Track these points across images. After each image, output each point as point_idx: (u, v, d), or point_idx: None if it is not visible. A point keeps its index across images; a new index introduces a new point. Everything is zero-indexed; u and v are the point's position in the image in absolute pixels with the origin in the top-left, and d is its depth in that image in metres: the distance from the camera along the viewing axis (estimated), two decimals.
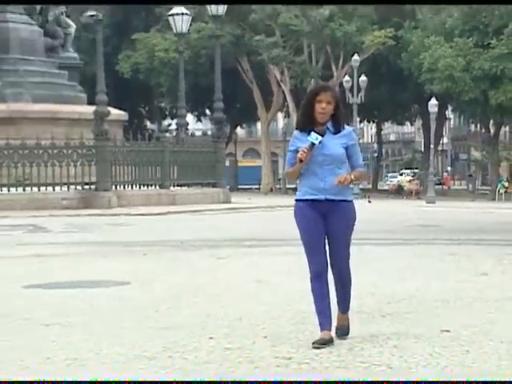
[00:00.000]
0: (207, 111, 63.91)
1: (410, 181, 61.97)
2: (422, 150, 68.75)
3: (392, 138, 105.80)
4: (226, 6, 32.18)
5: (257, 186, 62.84)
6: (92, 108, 27.53)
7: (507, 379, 4.26)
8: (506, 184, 54.54)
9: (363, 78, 50.34)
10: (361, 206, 30.38)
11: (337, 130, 6.21)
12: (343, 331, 6.49)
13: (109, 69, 35.78)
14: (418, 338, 6.60)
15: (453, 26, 51.07)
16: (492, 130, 58.72)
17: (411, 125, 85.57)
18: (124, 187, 27.68)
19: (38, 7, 33.40)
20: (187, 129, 36.02)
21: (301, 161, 6.10)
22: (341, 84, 52.74)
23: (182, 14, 33.99)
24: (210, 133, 60.31)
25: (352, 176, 6.22)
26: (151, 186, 28.78)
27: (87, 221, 21.76)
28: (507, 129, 71.25)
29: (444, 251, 13.49)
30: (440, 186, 64.35)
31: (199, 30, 50.87)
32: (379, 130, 76.79)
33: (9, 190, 25.64)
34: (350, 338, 6.55)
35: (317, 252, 6.23)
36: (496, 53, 48.37)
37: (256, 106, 58.66)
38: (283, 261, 12.00)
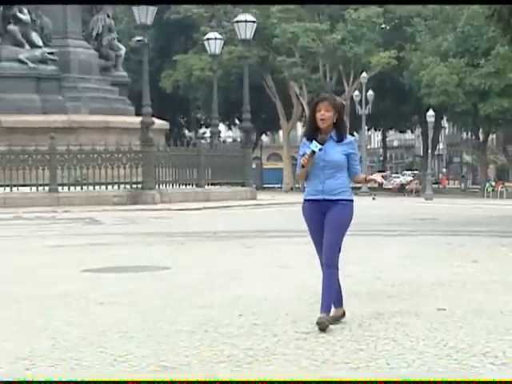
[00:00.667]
0: (236, 121, 63.93)
1: (410, 181, 61.65)
2: (421, 154, 68.52)
3: (395, 143, 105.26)
4: (253, 32, 32.11)
5: (279, 186, 62.75)
6: (139, 119, 27.59)
7: (507, 379, 4.19)
8: (493, 183, 54.26)
9: (370, 92, 50.35)
10: (366, 202, 30.45)
11: (339, 139, 6.07)
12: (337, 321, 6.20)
13: (153, 85, 35.85)
14: (418, 316, 6.58)
15: (447, 48, 50.87)
16: (481, 138, 58.50)
17: (412, 132, 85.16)
18: (166, 186, 27.71)
19: (94, 34, 33.60)
20: (219, 136, 36.10)
21: (303, 166, 6.05)
22: (351, 98, 52.77)
23: (216, 38, 34.02)
24: (238, 140, 60.53)
25: (368, 177, 6.31)
26: (189, 185, 28.79)
27: (134, 215, 21.82)
28: (494, 136, 70.81)
29: (440, 241, 13.44)
30: (436, 185, 63.99)
31: (230, 51, 50.87)
32: (384, 137, 76.65)
33: (69, 189, 25.75)
34: (359, 316, 6.53)
35: (318, 244, 6.16)
36: (484, 71, 48.25)
37: (278, 117, 58.62)
38: (303, 249, 11.94)
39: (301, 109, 56.92)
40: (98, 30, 33.76)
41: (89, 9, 34.13)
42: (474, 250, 11.83)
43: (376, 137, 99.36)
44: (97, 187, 26.05)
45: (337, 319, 6.19)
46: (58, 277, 9.12)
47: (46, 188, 25.40)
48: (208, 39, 34.29)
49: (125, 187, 26.45)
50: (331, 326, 6.02)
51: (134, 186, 26.54)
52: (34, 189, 25.31)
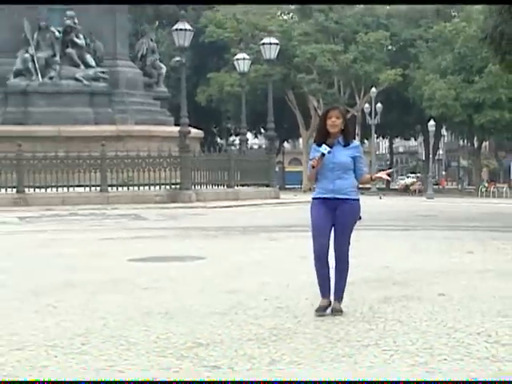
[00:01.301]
0: (262, 130, 63.84)
1: (413, 182, 61.31)
2: (423, 158, 68.07)
3: (401, 150, 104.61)
4: (277, 52, 32.07)
5: (299, 186, 62.67)
6: (177, 128, 27.65)
7: (507, 379, 4.14)
8: (486, 184, 53.80)
9: (379, 105, 50.15)
10: (374, 201, 30.33)
11: (346, 143, 5.94)
12: (336, 312, 5.91)
13: (190, 99, 35.91)
14: (420, 300, 6.55)
15: (446, 67, 50.59)
16: (476, 144, 58.13)
17: (415, 140, 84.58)
18: (200, 187, 27.72)
19: (139, 55, 33.92)
20: (247, 143, 35.94)
21: (313, 167, 5.93)
22: (362, 110, 52.62)
23: (244, 58, 33.99)
24: (264, 146, 60.39)
25: (373, 176, 6.17)
26: (220, 185, 28.79)
27: (174, 212, 21.88)
28: (487, 143, 70.29)
29: (440, 235, 13.36)
30: (437, 186, 63.56)
31: (256, 70, 50.84)
32: (391, 144, 76.25)
33: (117, 189, 25.85)
34: (369, 300, 6.51)
35: (322, 235, 5.86)
36: (478, 87, 47.99)
37: (298, 126, 58.54)
38: None
39: (318, 119, 56.69)
40: (142, 51, 34.12)
41: (135, 34, 34.36)
42: (470, 243, 11.76)
43: (384, 144, 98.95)
44: (141, 188, 26.13)
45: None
46: (108, 265, 9.16)
47: (98, 188, 25.54)
48: (237, 59, 34.29)
49: (165, 188, 26.51)
50: (344, 309, 6.01)
51: (173, 186, 26.58)
52: (87, 189, 25.44)
